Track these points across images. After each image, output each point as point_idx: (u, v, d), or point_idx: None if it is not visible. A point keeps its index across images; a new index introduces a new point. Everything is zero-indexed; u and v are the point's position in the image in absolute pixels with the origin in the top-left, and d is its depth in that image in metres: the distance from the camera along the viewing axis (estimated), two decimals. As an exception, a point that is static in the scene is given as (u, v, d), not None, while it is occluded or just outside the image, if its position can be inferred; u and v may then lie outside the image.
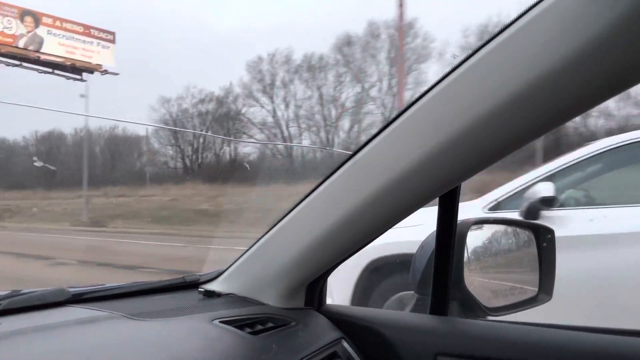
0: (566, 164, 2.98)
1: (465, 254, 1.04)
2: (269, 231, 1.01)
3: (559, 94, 0.63)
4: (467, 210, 2.61)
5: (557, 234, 1.19)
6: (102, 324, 0.82)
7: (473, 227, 1.06)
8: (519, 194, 2.95)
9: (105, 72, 20.26)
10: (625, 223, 2.71)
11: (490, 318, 1.02)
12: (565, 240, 2.25)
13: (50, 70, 19.04)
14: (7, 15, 17.68)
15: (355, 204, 0.84)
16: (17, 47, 17.88)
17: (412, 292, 1.09)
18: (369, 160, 0.82)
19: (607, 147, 2.91)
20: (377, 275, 3.03)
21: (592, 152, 2.94)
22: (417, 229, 1.52)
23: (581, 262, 2.60)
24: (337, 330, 0.98)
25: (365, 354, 0.96)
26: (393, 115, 0.80)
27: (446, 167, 0.75)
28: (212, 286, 1.07)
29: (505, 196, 3.00)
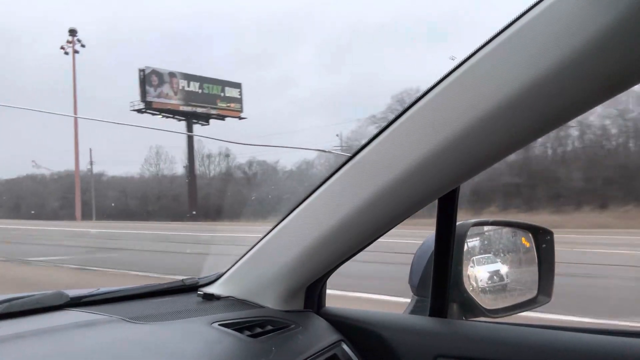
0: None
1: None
2: (267, 234, 1.00)
3: (556, 95, 0.63)
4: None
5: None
6: (100, 327, 0.82)
7: (472, 228, 1.06)
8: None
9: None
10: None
11: (489, 320, 1.02)
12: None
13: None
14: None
15: (354, 206, 0.84)
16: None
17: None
18: (368, 162, 0.82)
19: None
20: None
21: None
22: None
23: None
24: (337, 333, 0.98)
25: (365, 356, 0.96)
26: (391, 118, 0.80)
27: (445, 169, 0.75)
28: (211, 289, 1.07)
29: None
